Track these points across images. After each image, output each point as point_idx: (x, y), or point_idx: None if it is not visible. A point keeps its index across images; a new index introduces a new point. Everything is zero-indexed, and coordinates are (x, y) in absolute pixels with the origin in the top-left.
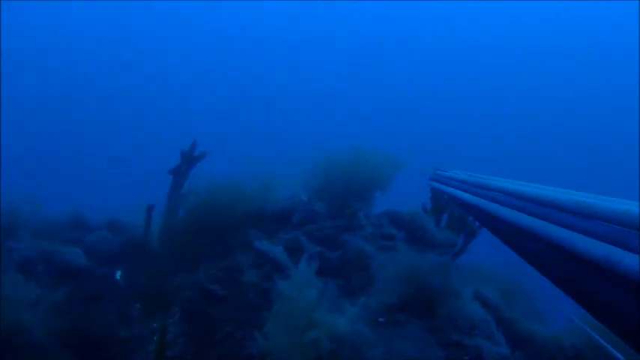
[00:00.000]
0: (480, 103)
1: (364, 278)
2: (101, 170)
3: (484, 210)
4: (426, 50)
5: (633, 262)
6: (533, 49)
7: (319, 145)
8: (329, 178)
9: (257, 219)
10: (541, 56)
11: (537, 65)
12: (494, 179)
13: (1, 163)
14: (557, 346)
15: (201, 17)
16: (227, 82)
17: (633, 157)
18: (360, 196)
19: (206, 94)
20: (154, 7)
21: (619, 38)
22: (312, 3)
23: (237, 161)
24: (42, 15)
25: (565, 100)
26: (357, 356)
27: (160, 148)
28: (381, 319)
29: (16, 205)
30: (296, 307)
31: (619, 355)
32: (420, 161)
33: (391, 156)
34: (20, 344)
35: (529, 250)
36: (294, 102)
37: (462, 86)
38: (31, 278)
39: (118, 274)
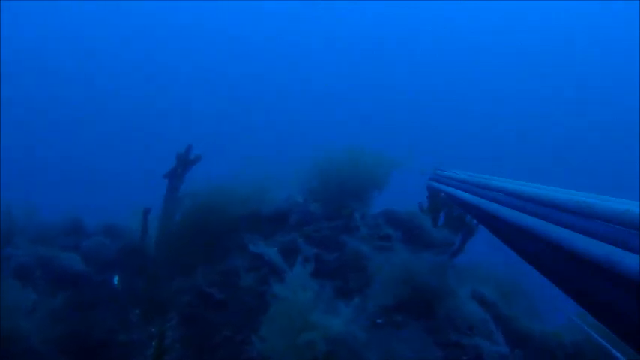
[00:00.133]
0: (480, 103)
1: (361, 279)
2: (99, 171)
3: (484, 210)
4: (426, 50)
5: (633, 262)
6: (534, 49)
7: (319, 145)
8: (324, 179)
9: (253, 221)
10: (541, 56)
11: (537, 65)
12: (494, 179)
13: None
14: (556, 342)
15: (201, 17)
16: (227, 83)
17: (633, 157)
18: (356, 197)
19: (206, 95)
20: (154, 7)
21: (619, 38)
22: (312, 3)
23: (237, 162)
24: (41, 15)
25: (565, 100)
26: (354, 357)
27: (160, 149)
28: (379, 320)
29: (12, 210)
30: (291, 310)
31: (619, 355)
32: (420, 161)
33: (387, 155)
34: (18, 351)
35: (529, 250)
36: (294, 102)
37: (462, 86)
38: (29, 284)
39: (116, 279)
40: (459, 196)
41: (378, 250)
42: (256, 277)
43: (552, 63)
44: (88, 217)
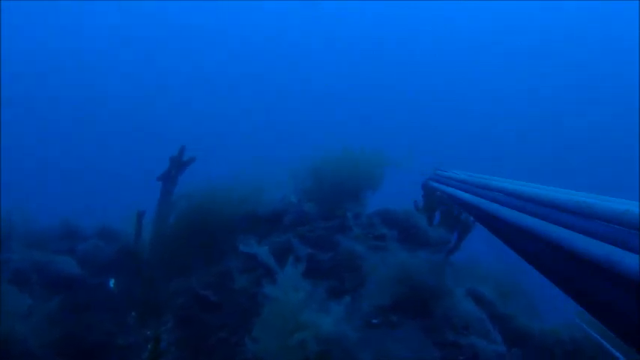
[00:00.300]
0: (480, 103)
1: (356, 279)
2: (96, 172)
3: (484, 210)
4: (426, 50)
5: (633, 262)
6: (533, 49)
7: (318, 145)
8: (318, 179)
9: (249, 222)
10: (541, 56)
11: (537, 65)
12: (495, 179)
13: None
14: (555, 340)
15: (200, 17)
16: (226, 83)
17: (633, 157)
18: (351, 196)
19: (206, 95)
20: (154, 7)
21: (619, 38)
22: (312, 3)
23: (236, 162)
24: (41, 16)
25: (565, 100)
26: (347, 357)
27: (158, 149)
28: (374, 321)
29: (7, 215)
30: (283, 310)
31: (619, 355)
32: (420, 161)
33: (381, 154)
34: (16, 355)
35: (529, 250)
36: (293, 102)
37: (462, 86)
38: (25, 289)
39: (112, 283)
40: (459, 196)
41: (373, 250)
42: (251, 278)
43: (552, 63)
44: (83, 220)
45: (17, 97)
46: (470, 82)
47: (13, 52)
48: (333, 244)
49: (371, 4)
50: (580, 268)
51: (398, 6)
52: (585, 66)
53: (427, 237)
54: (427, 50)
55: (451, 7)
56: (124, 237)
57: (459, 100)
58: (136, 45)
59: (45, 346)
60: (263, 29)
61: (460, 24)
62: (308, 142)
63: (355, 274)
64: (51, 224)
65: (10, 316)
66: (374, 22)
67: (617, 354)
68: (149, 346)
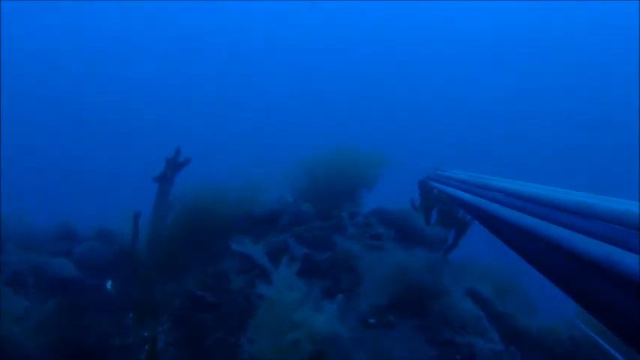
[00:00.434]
0: (479, 103)
1: (353, 279)
2: (94, 173)
3: (484, 210)
4: (426, 50)
5: (633, 262)
6: (533, 49)
7: (314, 144)
8: (314, 179)
9: (245, 222)
10: (541, 56)
11: (537, 65)
12: (495, 179)
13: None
14: (553, 338)
15: (200, 17)
16: (227, 83)
17: (633, 157)
18: (346, 196)
19: (206, 95)
20: (154, 7)
21: (619, 38)
22: (312, 3)
23: (236, 163)
24: (40, 16)
25: (565, 100)
26: (342, 357)
27: (158, 150)
28: (371, 320)
29: (4, 217)
30: (277, 310)
31: (618, 356)
32: (419, 160)
33: (376, 153)
34: (12, 357)
35: (529, 250)
36: (293, 102)
37: (462, 86)
38: (22, 291)
39: (109, 284)
40: (459, 196)
41: (370, 249)
42: (247, 278)
43: (552, 63)
44: (80, 221)
45: (17, 97)
46: (470, 82)
47: (13, 52)
48: (330, 244)
49: (371, 4)
50: (580, 268)
51: (398, 6)
52: (585, 66)
53: (424, 235)
54: (427, 50)
55: (451, 8)
56: (120, 238)
57: (458, 100)
58: (135, 45)
59: (42, 348)
60: (263, 29)
61: (460, 24)
62: (308, 142)
63: (352, 273)
64: (48, 226)
65: (7, 318)
66: (374, 22)
67: (617, 354)
68: (146, 346)
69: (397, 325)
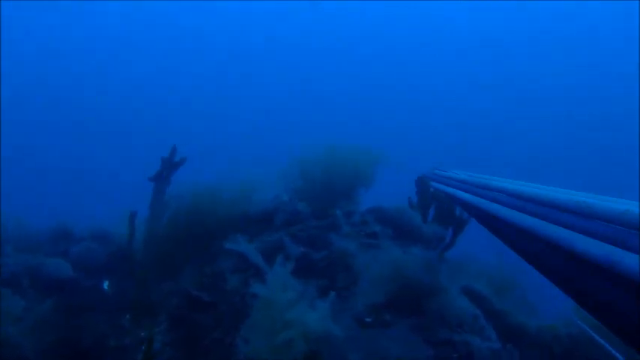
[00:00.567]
0: (479, 103)
1: (349, 278)
2: (92, 173)
3: (484, 210)
4: (425, 50)
5: (633, 262)
6: (533, 48)
7: (309, 144)
8: (309, 177)
9: (241, 222)
10: (541, 56)
11: (537, 65)
12: (495, 179)
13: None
14: (552, 336)
15: (199, 18)
16: (226, 83)
17: (633, 157)
18: (343, 194)
19: (206, 95)
20: (154, 7)
21: (619, 38)
22: (312, 3)
23: (235, 162)
24: (40, 16)
25: (565, 100)
26: (336, 356)
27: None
28: (367, 319)
29: (3, 220)
30: (271, 310)
31: (618, 356)
32: (417, 159)
33: (372, 151)
34: (9, 358)
35: (529, 250)
36: (293, 102)
37: (462, 86)
38: (18, 292)
39: (106, 285)
40: (458, 196)
41: (366, 248)
42: (243, 278)
43: (552, 63)
44: (77, 222)
45: (17, 97)
46: (470, 82)
47: (13, 52)
48: (326, 243)
49: (371, 4)
50: (580, 268)
51: (398, 6)
52: (585, 66)
53: (421, 234)
54: (427, 50)
55: (451, 8)
56: (117, 238)
57: (458, 99)
58: (135, 45)
59: (38, 349)
60: (263, 29)
61: (460, 24)
62: (308, 142)
63: (348, 272)
64: (44, 226)
65: (7, 319)
66: (374, 22)
67: (617, 355)
68: (143, 347)
69: (393, 324)
